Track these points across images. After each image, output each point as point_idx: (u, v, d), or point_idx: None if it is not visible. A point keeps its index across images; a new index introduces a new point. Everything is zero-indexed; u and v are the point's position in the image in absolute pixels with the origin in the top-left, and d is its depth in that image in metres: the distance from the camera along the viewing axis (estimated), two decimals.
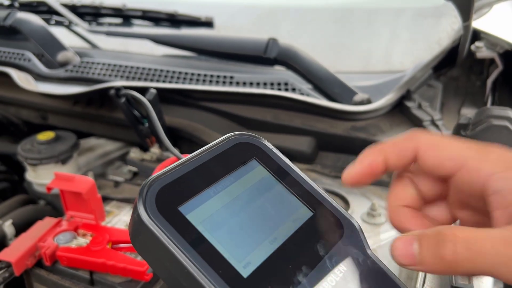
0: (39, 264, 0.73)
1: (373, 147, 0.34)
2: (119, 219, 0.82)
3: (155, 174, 0.30)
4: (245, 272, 0.27)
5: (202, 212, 0.28)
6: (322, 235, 0.31)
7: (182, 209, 0.28)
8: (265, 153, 0.34)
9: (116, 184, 0.94)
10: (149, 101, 0.85)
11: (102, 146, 1.06)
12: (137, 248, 0.28)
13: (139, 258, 0.68)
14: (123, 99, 0.89)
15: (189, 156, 0.32)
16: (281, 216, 0.31)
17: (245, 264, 0.27)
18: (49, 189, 0.73)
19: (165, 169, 0.30)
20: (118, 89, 0.91)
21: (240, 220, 0.29)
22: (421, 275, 0.53)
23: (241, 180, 0.32)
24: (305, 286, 0.27)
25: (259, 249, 0.28)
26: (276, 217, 0.31)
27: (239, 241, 0.28)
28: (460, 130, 0.81)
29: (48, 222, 0.76)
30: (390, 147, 0.33)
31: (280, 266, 0.28)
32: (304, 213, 0.32)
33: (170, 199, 0.28)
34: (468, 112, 0.93)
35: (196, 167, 0.31)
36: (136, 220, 0.27)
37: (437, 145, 0.32)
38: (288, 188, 0.33)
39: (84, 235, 0.74)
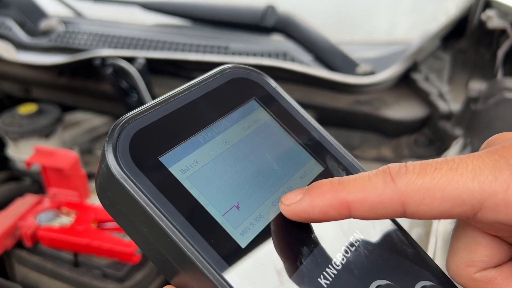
0: (19, 245, 0.68)
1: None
2: None
3: (129, 113, 0.23)
4: (242, 241, 0.21)
5: (189, 164, 0.22)
6: None
7: (164, 159, 0.22)
8: (267, 92, 0.28)
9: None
10: (138, 71, 0.79)
11: (89, 121, 1.00)
12: (106, 207, 0.22)
13: (127, 238, 0.63)
14: (109, 69, 0.83)
15: (172, 92, 0.25)
16: (286, 171, 0.25)
17: (243, 230, 0.22)
18: (28, 164, 0.68)
19: (142, 107, 0.23)
20: (104, 58, 0.84)
21: (235, 176, 0.23)
22: (432, 246, 0.50)
23: (238, 125, 0.25)
24: (315, 258, 0.22)
25: (260, 211, 0.23)
26: (280, 172, 0.25)
27: (234, 201, 0.22)
28: (470, 104, 0.76)
29: (28, 200, 0.71)
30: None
31: (285, 232, 0.23)
32: (313, 168, 0.26)
33: (149, 146, 0.22)
34: (477, 85, 0.88)
35: (181, 107, 0.24)
36: (104, 172, 0.21)
37: None
38: (294, 137, 0.27)
39: (67, 214, 0.68)
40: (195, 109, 0.24)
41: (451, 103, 0.80)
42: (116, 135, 0.21)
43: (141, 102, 0.84)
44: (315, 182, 0.22)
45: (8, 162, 0.92)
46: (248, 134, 0.25)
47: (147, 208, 0.20)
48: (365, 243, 0.24)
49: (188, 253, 0.20)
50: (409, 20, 1.13)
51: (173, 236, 0.20)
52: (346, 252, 0.23)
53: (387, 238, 0.25)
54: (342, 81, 0.81)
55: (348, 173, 0.27)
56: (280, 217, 0.23)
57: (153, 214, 0.20)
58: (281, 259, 0.21)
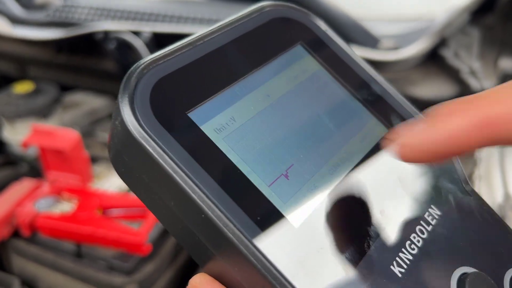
0: (16, 234, 0.62)
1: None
2: (111, 182, 0.70)
3: (149, 57, 0.18)
4: (295, 219, 0.17)
5: (224, 122, 0.18)
6: (402, 164, 0.20)
7: (193, 115, 0.18)
8: (316, 36, 0.23)
9: (106, 143, 0.82)
10: (144, 45, 0.72)
11: (90, 102, 0.94)
12: (122, 176, 0.18)
13: (135, 227, 0.57)
14: (113, 44, 0.76)
15: (200, 33, 0.20)
16: (343, 132, 0.21)
17: (295, 205, 0.18)
18: (25, 145, 0.61)
19: (165, 50, 0.19)
20: (107, 32, 0.78)
21: (282, 137, 0.19)
22: None
23: (282, 75, 0.21)
24: (385, 241, 0.18)
25: (314, 182, 0.19)
26: (335, 133, 0.20)
27: (282, 169, 0.18)
28: (506, 81, 0.70)
29: (26, 184, 0.65)
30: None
31: (345, 212, 0.19)
32: (375, 129, 0.22)
33: (175, 99, 0.17)
34: (507, 63, 0.82)
35: (212, 52, 0.19)
36: (118, 131, 0.17)
37: None
38: (351, 91, 0.22)
39: (69, 200, 0.62)
40: (229, 54, 0.20)
41: (484, 81, 0.74)
42: (134, 84, 0.17)
43: None
44: (434, 107, 0.16)
45: (3, 147, 0.86)
46: (294, 86, 0.21)
47: (175, 175, 0.16)
48: (444, 221, 0.20)
49: (229, 233, 0.15)
50: None
51: (209, 212, 0.16)
52: (422, 232, 0.19)
53: (469, 215, 0.21)
54: (366, 57, 0.75)
55: None
56: (342, 185, 0.19)
57: (182, 184, 0.16)
58: (344, 242, 0.17)
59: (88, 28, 0.81)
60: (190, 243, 0.17)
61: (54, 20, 0.93)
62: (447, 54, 0.79)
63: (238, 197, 0.16)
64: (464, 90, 0.75)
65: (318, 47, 0.23)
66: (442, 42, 0.80)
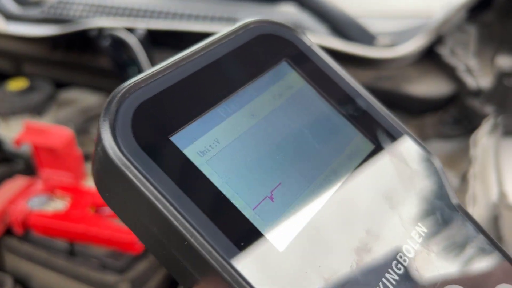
0: (9, 232, 0.62)
1: None
2: None
3: (129, 81, 0.18)
4: (280, 243, 0.17)
5: (208, 145, 0.18)
6: (388, 180, 0.21)
7: (176, 139, 0.17)
8: (301, 52, 0.23)
9: None
10: (138, 41, 0.72)
11: (85, 100, 0.93)
12: (106, 200, 0.18)
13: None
14: (107, 41, 0.76)
15: (182, 53, 0.19)
16: (330, 150, 0.20)
17: (279, 228, 0.17)
18: (18, 142, 0.61)
19: (146, 73, 0.18)
20: (101, 29, 0.77)
21: (267, 158, 0.19)
22: None
23: (266, 93, 0.20)
24: (371, 261, 0.18)
25: (300, 203, 0.18)
26: (322, 152, 0.20)
27: (267, 191, 0.18)
28: (502, 79, 0.70)
29: (19, 182, 0.64)
30: None
31: (331, 231, 0.18)
32: (362, 146, 0.21)
33: (157, 122, 0.17)
34: (505, 61, 0.81)
35: (195, 72, 0.19)
36: (100, 157, 0.16)
37: None
38: (336, 107, 0.22)
39: (62, 198, 0.62)
40: (212, 75, 0.19)
41: (480, 79, 0.74)
42: (115, 109, 0.17)
43: None
44: None
45: None
46: (280, 104, 0.21)
47: (156, 203, 0.16)
48: (431, 239, 0.20)
49: (212, 261, 0.15)
50: None
51: (191, 239, 0.15)
52: (408, 251, 0.19)
53: (457, 232, 0.20)
54: (362, 54, 0.75)
55: (405, 151, 0.22)
56: (327, 210, 0.18)
57: (165, 211, 0.16)
58: (330, 264, 0.17)
59: (82, 25, 0.80)
60: (174, 268, 0.17)
61: (49, 16, 0.92)
62: (444, 51, 0.78)
63: (221, 222, 0.16)
64: (460, 88, 0.75)
65: (303, 63, 0.22)
66: (438, 40, 0.80)
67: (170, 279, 0.63)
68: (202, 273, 0.16)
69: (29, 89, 0.82)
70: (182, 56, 0.19)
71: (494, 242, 0.21)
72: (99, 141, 0.16)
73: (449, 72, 0.77)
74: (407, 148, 0.22)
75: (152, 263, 0.59)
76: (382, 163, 0.21)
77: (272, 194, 0.18)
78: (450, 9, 0.81)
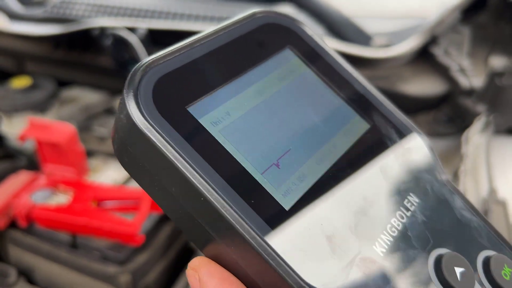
0: (13, 225, 0.64)
1: None
2: (106, 175, 0.72)
3: (150, 57, 0.20)
4: (286, 203, 0.19)
5: (221, 116, 0.20)
6: (384, 155, 0.23)
7: (192, 110, 0.19)
8: (303, 40, 0.25)
9: (102, 138, 0.83)
10: (140, 40, 0.74)
11: (86, 97, 0.95)
12: (125, 165, 0.19)
13: (129, 218, 0.59)
14: (109, 40, 0.78)
15: (199, 35, 0.22)
16: (329, 127, 0.23)
17: (285, 191, 0.19)
18: (22, 138, 0.63)
19: (165, 51, 0.20)
20: (103, 28, 0.79)
21: (273, 131, 0.21)
22: None
23: (272, 75, 0.22)
24: (368, 224, 0.20)
25: (302, 171, 0.20)
26: (322, 128, 0.22)
27: (274, 159, 0.20)
28: (494, 79, 0.72)
29: (23, 177, 0.66)
30: None
31: (331, 196, 0.20)
32: (358, 125, 0.23)
33: (175, 95, 0.19)
34: (498, 61, 0.83)
35: (209, 52, 0.21)
36: (123, 123, 0.18)
37: None
38: (336, 91, 0.24)
39: (64, 192, 0.64)
40: (223, 56, 0.22)
41: (473, 79, 0.76)
42: (137, 80, 0.19)
43: None
44: None
45: (2, 140, 0.87)
46: (284, 85, 0.23)
47: (176, 162, 0.17)
48: (421, 208, 0.22)
49: (226, 214, 0.17)
50: None
51: (208, 196, 0.17)
52: (401, 217, 0.21)
53: (445, 202, 0.23)
54: (357, 54, 0.76)
55: (397, 130, 0.24)
56: (328, 173, 0.21)
57: (183, 170, 0.17)
58: (331, 223, 0.19)
59: (85, 24, 0.82)
60: (189, 227, 0.19)
61: (52, 16, 0.94)
62: (438, 51, 0.80)
63: (234, 183, 0.18)
64: (454, 87, 0.76)
65: (305, 50, 0.24)
66: (432, 40, 0.81)
67: (170, 271, 0.65)
68: (216, 227, 0.18)
69: (32, 87, 0.83)
70: (197, 38, 0.21)
71: (478, 213, 0.23)
72: (122, 108, 0.18)
73: (443, 71, 0.78)
74: (400, 126, 0.24)
75: (152, 255, 0.61)
76: (377, 140, 0.23)
77: (278, 162, 0.20)
78: (445, 10, 0.82)
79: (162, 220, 0.64)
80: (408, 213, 0.21)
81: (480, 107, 0.72)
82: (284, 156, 0.20)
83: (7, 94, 0.81)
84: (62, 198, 0.63)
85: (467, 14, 0.89)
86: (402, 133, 0.24)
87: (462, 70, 0.77)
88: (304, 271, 0.17)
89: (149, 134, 0.17)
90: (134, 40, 0.74)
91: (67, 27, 0.85)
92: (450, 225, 0.22)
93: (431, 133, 0.77)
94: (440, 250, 0.21)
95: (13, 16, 0.94)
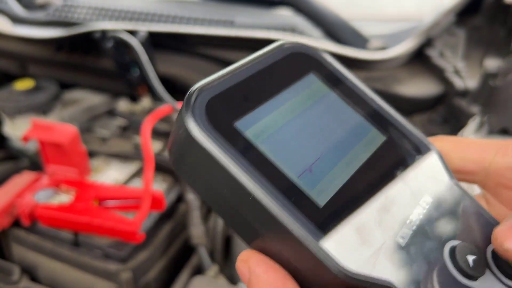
0: (17, 224, 0.65)
1: None
2: (107, 175, 0.73)
3: (201, 82, 0.24)
4: (320, 201, 0.22)
5: (262, 129, 0.24)
6: (400, 162, 0.27)
7: (238, 124, 0.23)
8: (324, 66, 0.29)
9: (104, 139, 0.85)
10: (140, 43, 0.75)
11: (88, 99, 0.96)
12: (182, 174, 0.23)
13: (130, 217, 0.60)
14: (110, 43, 0.79)
15: (237, 64, 0.26)
16: (351, 139, 0.26)
17: (319, 191, 0.23)
18: (25, 138, 0.64)
19: (211, 77, 0.24)
20: (104, 31, 0.81)
21: (306, 141, 0.25)
22: None
23: (300, 96, 0.27)
24: (390, 219, 0.23)
25: (332, 175, 0.24)
26: (345, 140, 0.26)
27: (308, 164, 0.24)
28: (487, 80, 0.73)
29: (26, 177, 0.68)
30: None
31: (359, 195, 0.24)
32: (376, 137, 0.27)
33: (224, 112, 0.23)
34: (492, 63, 0.84)
35: (248, 77, 0.25)
36: (182, 138, 0.22)
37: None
38: (354, 108, 0.28)
39: (67, 192, 0.65)
40: (260, 80, 0.26)
41: (467, 80, 0.77)
42: (192, 101, 0.22)
43: (143, 78, 0.80)
44: None
45: (5, 142, 0.89)
46: (310, 104, 0.27)
47: (229, 166, 0.21)
48: (435, 206, 0.25)
49: (273, 211, 0.20)
50: None
51: (256, 195, 0.20)
52: (418, 214, 0.24)
53: (455, 202, 0.26)
54: (354, 56, 0.78)
55: (409, 141, 0.28)
56: (354, 177, 0.24)
57: (235, 173, 0.21)
58: (359, 218, 0.22)
59: (86, 27, 0.84)
60: (239, 224, 0.22)
61: (54, 19, 0.96)
62: (433, 53, 0.81)
63: (276, 184, 0.21)
64: (448, 88, 0.78)
65: (326, 74, 0.29)
66: (428, 42, 0.83)
67: (170, 269, 0.66)
68: (264, 224, 0.21)
69: (35, 89, 0.85)
70: (237, 66, 0.26)
71: (485, 211, 0.26)
72: (180, 125, 0.22)
73: (438, 73, 0.80)
74: (413, 138, 0.28)
75: (152, 253, 0.62)
76: (393, 149, 0.27)
77: (311, 168, 0.23)
78: (439, 13, 0.84)
79: (163, 218, 0.66)
80: (424, 211, 0.25)
81: (474, 108, 0.73)
82: (315, 163, 0.24)
83: (10, 96, 0.82)
84: (65, 198, 0.65)
85: (462, 17, 0.90)
86: (414, 142, 0.28)
87: (457, 72, 0.79)
88: (340, 257, 0.20)
89: (205, 144, 0.21)
90: (135, 42, 0.76)
91: (69, 30, 0.86)
92: (461, 220, 0.25)
93: (427, 133, 0.78)
94: (454, 242, 0.24)
95: (16, 19, 0.96)
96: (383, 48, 0.83)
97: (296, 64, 0.28)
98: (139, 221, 0.58)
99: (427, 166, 0.27)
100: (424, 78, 0.81)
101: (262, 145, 0.23)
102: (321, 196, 0.22)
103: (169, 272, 0.66)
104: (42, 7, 1.00)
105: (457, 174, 0.28)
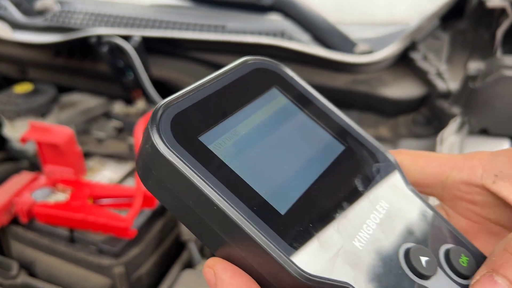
0: (15, 221, 0.68)
1: None
2: (103, 174, 0.76)
3: (167, 98, 0.25)
4: (281, 209, 0.23)
5: (224, 142, 0.25)
6: (358, 170, 0.28)
7: (202, 138, 0.24)
8: (286, 81, 0.30)
9: (100, 140, 0.88)
10: (134, 48, 0.78)
11: (85, 102, 1.00)
12: (149, 187, 0.24)
13: (122, 214, 0.63)
14: (105, 48, 0.82)
15: (202, 80, 0.27)
16: (312, 149, 0.28)
17: (280, 199, 0.24)
18: (23, 140, 0.67)
19: (177, 93, 0.25)
20: (100, 36, 0.84)
21: (268, 153, 0.26)
22: None
23: (263, 110, 0.28)
24: (348, 224, 0.25)
25: (293, 183, 0.25)
26: (306, 150, 0.27)
27: (270, 175, 0.25)
28: (468, 82, 0.76)
29: (24, 177, 0.71)
30: None
31: (318, 202, 0.25)
32: (335, 147, 0.29)
33: (188, 127, 0.24)
34: (476, 65, 0.87)
35: (213, 93, 0.26)
36: (148, 152, 0.23)
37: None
38: (315, 120, 0.29)
39: (63, 191, 0.68)
40: (224, 95, 0.27)
41: (450, 82, 0.80)
42: (158, 117, 0.23)
43: (137, 81, 0.83)
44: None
45: (5, 143, 0.92)
46: (272, 116, 0.28)
47: (193, 179, 0.22)
48: (391, 211, 0.27)
49: (236, 220, 0.21)
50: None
51: (220, 204, 0.21)
52: (375, 218, 0.26)
53: (409, 206, 0.28)
54: (340, 59, 0.81)
55: (368, 151, 0.29)
56: (314, 185, 0.25)
57: (199, 185, 0.22)
58: (318, 224, 0.23)
59: (82, 33, 0.87)
60: (204, 233, 0.23)
61: (52, 24, 0.99)
62: (416, 56, 0.84)
63: (237, 192, 0.22)
64: (431, 90, 0.80)
65: (288, 88, 0.30)
66: (412, 46, 0.85)
67: (161, 264, 0.69)
68: (227, 231, 0.22)
69: (34, 92, 0.88)
70: (202, 83, 0.26)
71: (438, 213, 0.28)
72: (147, 140, 0.23)
73: (421, 75, 0.82)
74: (369, 147, 0.30)
75: (144, 248, 0.65)
76: (351, 158, 0.28)
77: (271, 174, 0.25)
78: (423, 17, 0.87)
79: (154, 216, 0.68)
80: (381, 215, 0.26)
81: (456, 109, 0.76)
82: (276, 172, 0.25)
83: (10, 99, 0.85)
84: (61, 196, 0.68)
85: (447, 21, 0.93)
86: (372, 152, 0.29)
87: (439, 74, 0.81)
88: (300, 261, 0.21)
89: (170, 158, 0.22)
90: (128, 47, 0.79)
91: (66, 36, 0.90)
92: (415, 224, 0.27)
93: (411, 134, 0.81)
94: (408, 244, 0.25)
95: (15, 25, 0.99)
96: (369, 52, 0.86)
97: (260, 79, 0.29)
98: (131, 217, 0.61)
99: (385, 175, 0.28)
100: (408, 81, 0.84)
101: (227, 159, 0.24)
102: (282, 204, 0.23)
103: (161, 267, 0.69)
104: (41, 13, 1.03)
105: (416, 186, 0.30)
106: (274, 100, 0.29)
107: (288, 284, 0.21)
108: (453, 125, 0.73)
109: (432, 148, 0.76)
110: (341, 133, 0.29)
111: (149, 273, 0.66)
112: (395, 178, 0.29)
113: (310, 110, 0.30)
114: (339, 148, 0.29)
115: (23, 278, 0.66)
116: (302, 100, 0.30)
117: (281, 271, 0.21)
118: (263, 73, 0.30)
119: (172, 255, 0.71)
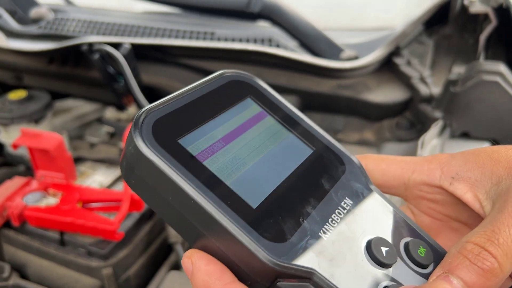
0: (7, 224, 0.70)
1: None
2: (93, 179, 0.78)
3: (149, 105, 0.27)
4: (253, 203, 0.26)
5: (202, 146, 0.27)
6: (325, 171, 0.31)
7: (181, 141, 0.26)
8: (259, 91, 0.33)
9: (92, 145, 0.90)
10: (123, 56, 0.80)
11: (79, 108, 1.02)
12: (132, 185, 0.26)
13: (111, 217, 0.65)
14: (96, 55, 0.84)
15: (182, 90, 0.30)
16: (282, 152, 0.30)
17: (252, 195, 0.26)
18: (15, 146, 0.69)
19: (159, 101, 0.28)
20: (91, 44, 0.86)
21: (242, 154, 0.28)
22: None
23: (238, 116, 0.31)
24: (314, 217, 0.27)
25: (264, 181, 0.28)
26: (277, 152, 0.30)
27: (243, 173, 0.27)
28: (449, 87, 0.78)
29: (17, 181, 0.73)
30: None
31: (287, 198, 0.27)
32: (304, 150, 0.31)
33: (168, 131, 0.26)
34: (459, 70, 0.89)
35: (191, 101, 0.29)
36: (131, 153, 0.25)
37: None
38: (286, 126, 0.32)
39: (54, 195, 0.70)
40: (201, 104, 0.30)
41: (432, 87, 0.82)
42: (141, 122, 0.26)
43: (127, 87, 0.85)
44: None
45: (3, 149, 0.94)
46: (246, 123, 0.31)
47: (172, 176, 0.24)
48: (354, 207, 0.29)
49: (211, 212, 0.24)
50: (399, 5, 1.14)
51: (197, 198, 0.24)
52: (339, 213, 0.28)
53: (372, 203, 0.30)
54: (325, 65, 0.83)
55: (334, 154, 0.32)
56: (284, 183, 0.28)
57: (177, 181, 0.24)
58: (287, 217, 0.26)
59: (74, 40, 0.89)
60: (183, 227, 0.25)
61: (46, 32, 1.01)
62: (400, 61, 0.86)
63: (213, 189, 0.25)
64: (415, 95, 0.82)
65: (261, 98, 0.33)
66: (396, 51, 0.87)
67: (149, 266, 0.71)
68: (204, 225, 0.24)
69: (27, 99, 0.90)
70: (182, 92, 0.29)
71: (399, 211, 0.31)
72: (130, 142, 0.25)
73: (405, 80, 0.84)
74: (335, 150, 0.32)
75: (132, 251, 0.67)
76: (319, 160, 0.31)
77: (244, 173, 0.27)
78: (408, 23, 0.89)
79: (142, 219, 0.70)
80: (345, 211, 0.28)
81: (438, 113, 0.78)
82: (249, 168, 0.28)
83: (4, 106, 0.87)
84: (52, 200, 0.70)
85: (432, 26, 0.95)
86: (338, 155, 0.32)
87: (422, 79, 0.83)
88: (268, 249, 0.23)
89: (151, 158, 0.24)
90: (118, 55, 0.81)
91: (59, 43, 0.92)
92: (377, 219, 0.29)
93: (395, 138, 0.83)
94: (370, 236, 0.28)
95: (10, 33, 1.02)
96: (354, 58, 0.88)
97: (235, 89, 0.32)
98: (118, 221, 0.63)
99: (349, 174, 0.31)
100: (392, 85, 0.85)
101: (203, 159, 0.26)
102: (254, 199, 0.26)
103: (149, 268, 0.70)
104: (35, 21, 1.05)
105: (380, 187, 0.33)
106: (249, 109, 0.32)
107: (258, 269, 0.24)
108: (434, 128, 0.75)
109: (414, 152, 0.78)
110: (310, 138, 0.32)
111: (137, 275, 0.68)
112: (360, 179, 0.31)
113: (282, 117, 0.33)
114: (307, 151, 0.31)
115: (15, 280, 0.67)
116: (274, 109, 0.33)
117: (251, 258, 0.23)
118: (239, 84, 0.33)
119: (160, 257, 0.73)
